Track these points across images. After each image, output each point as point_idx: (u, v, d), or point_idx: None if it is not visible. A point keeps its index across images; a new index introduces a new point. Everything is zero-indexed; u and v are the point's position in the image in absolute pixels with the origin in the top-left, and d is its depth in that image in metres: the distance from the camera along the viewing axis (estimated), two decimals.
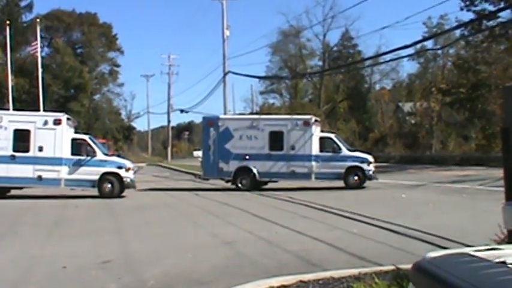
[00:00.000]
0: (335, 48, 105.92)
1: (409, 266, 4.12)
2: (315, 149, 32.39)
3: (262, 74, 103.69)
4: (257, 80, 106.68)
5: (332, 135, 34.61)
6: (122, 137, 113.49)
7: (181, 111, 71.37)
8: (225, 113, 53.80)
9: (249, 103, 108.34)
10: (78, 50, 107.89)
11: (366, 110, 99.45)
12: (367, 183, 31.90)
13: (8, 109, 53.77)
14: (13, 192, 30.28)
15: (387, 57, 61.52)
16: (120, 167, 28.93)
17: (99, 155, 28.79)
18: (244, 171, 32.56)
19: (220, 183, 33.94)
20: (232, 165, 32.66)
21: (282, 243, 13.24)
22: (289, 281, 8.54)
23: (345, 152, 32.69)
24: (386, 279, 8.03)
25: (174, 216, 20.83)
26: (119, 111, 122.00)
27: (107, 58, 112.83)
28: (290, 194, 27.78)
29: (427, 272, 3.50)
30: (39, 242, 14.49)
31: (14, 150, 28.22)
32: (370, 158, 33.10)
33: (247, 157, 32.52)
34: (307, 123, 32.94)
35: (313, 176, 32.35)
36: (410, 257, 5.67)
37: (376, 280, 7.87)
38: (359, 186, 31.75)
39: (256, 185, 32.51)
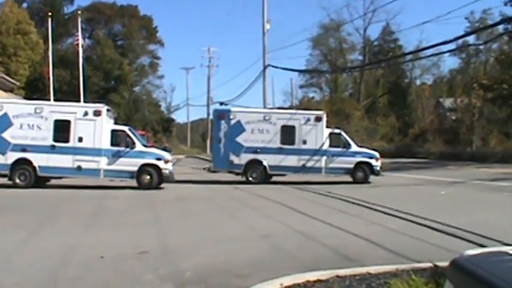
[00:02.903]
0: (376, 43, 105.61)
1: (446, 264, 4.07)
2: (326, 144, 32.75)
3: (302, 68, 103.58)
4: (297, 73, 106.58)
5: (341, 131, 34.77)
6: (161, 129, 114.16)
7: (221, 103, 71.08)
8: (264, 106, 53.86)
9: (288, 96, 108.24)
10: (119, 42, 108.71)
11: (406, 105, 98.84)
12: (410, 180, 31.89)
13: (49, 100, 54.27)
14: (52, 181, 30.56)
15: (428, 52, 60.90)
16: (159, 159, 29.05)
17: (139, 147, 28.93)
18: (255, 164, 32.79)
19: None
20: (243, 158, 32.85)
21: (319, 237, 13.19)
22: (325, 275, 8.50)
23: (354, 147, 33.44)
24: (423, 276, 7.96)
25: (212, 209, 20.85)
26: (159, 103, 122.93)
27: (147, 50, 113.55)
28: (328, 188, 27.68)
29: (464, 270, 3.46)
30: (78, 232, 14.58)
31: (54, 141, 28.47)
32: (377, 154, 34.01)
33: (258, 150, 32.68)
34: (319, 119, 33.25)
35: (323, 171, 32.81)
36: (448, 255, 5.60)
37: (413, 277, 7.81)
38: (365, 181, 32.51)
39: (266, 178, 32.79)
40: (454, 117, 76.93)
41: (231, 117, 33.31)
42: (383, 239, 12.77)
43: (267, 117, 33.40)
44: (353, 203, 21.32)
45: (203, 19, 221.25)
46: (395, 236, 13.47)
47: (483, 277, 3.23)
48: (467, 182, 31.60)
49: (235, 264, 10.41)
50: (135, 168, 28.62)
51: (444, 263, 6.93)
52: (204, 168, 35.76)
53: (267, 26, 55.58)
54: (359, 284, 8.00)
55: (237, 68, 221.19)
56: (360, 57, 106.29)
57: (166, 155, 30.00)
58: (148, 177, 28.76)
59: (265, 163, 32.68)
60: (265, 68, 55.49)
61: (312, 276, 8.46)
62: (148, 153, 29.38)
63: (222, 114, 34.03)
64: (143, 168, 28.71)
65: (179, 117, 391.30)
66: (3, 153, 28.46)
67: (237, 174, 33.50)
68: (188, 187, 31.02)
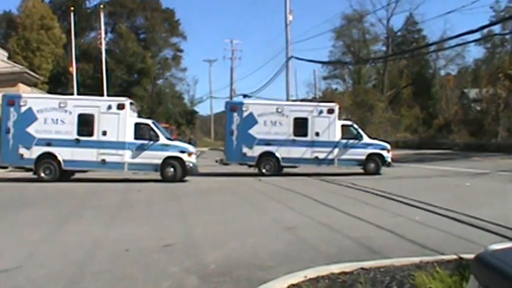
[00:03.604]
0: (399, 33, 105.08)
1: (471, 256, 4.05)
2: (338, 136, 32.94)
3: (325, 59, 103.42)
4: (320, 65, 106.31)
5: (353, 123, 35.21)
6: (185, 122, 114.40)
7: (244, 96, 71.21)
8: (287, 98, 53.88)
9: (311, 88, 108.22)
10: (141, 36, 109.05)
11: (430, 96, 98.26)
12: (434, 171, 31.86)
13: (72, 94, 54.55)
14: (77, 175, 30.76)
15: (452, 42, 60.39)
16: (182, 152, 29.14)
17: (162, 140, 29.02)
18: (268, 156, 33.01)
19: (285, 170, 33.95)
20: (256, 151, 33.06)
21: (343, 229, 13.18)
22: (350, 267, 8.49)
23: (366, 139, 33.62)
24: (448, 268, 7.92)
25: (236, 201, 20.87)
26: (182, 96, 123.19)
27: (169, 43, 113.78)
28: (351, 180, 27.66)
29: (488, 265, 3.44)
30: (103, 225, 14.67)
31: (79, 134, 28.66)
32: (388, 146, 34.15)
33: (271, 142, 32.87)
34: (331, 111, 33.39)
35: (336, 162, 33.15)
36: (473, 247, 5.60)
37: (438, 269, 7.77)
38: (377, 172, 32.80)
39: (279, 170, 33.01)
40: (479, 108, 76.34)
41: (244, 109, 33.52)
42: (407, 230, 12.73)
43: (279, 110, 33.54)
44: (377, 194, 21.29)
45: (225, 11, 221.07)
46: (419, 227, 13.43)
47: (508, 272, 3.22)
48: (492, 173, 31.43)
49: (260, 257, 10.43)
50: (159, 161, 28.74)
51: (469, 255, 6.90)
52: (216, 161, 35.84)
53: (290, 18, 55.60)
54: (383, 276, 7.98)
55: (260, 60, 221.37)
56: (383, 48, 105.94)
57: (189, 148, 30.09)
58: (172, 170, 28.87)
59: (278, 155, 32.91)
60: (288, 59, 55.49)
61: (336, 268, 8.46)
62: (172, 146, 29.46)
63: (234, 107, 34.23)
64: (167, 161, 28.83)
65: (202, 109, 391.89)
66: (28, 148, 28.69)
67: (250, 166, 33.74)
68: (212, 180, 31.08)
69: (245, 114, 33.29)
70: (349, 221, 14.71)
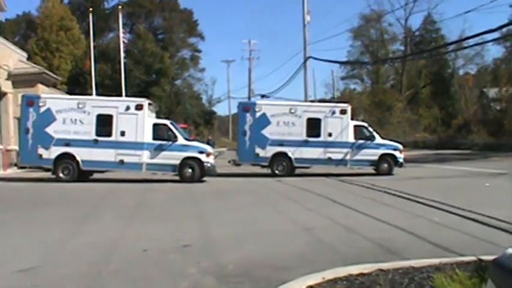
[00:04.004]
0: (417, 33, 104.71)
1: (491, 258, 4.01)
2: (351, 137, 33.04)
3: (344, 59, 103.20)
4: (338, 65, 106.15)
5: (365, 124, 35.40)
6: (203, 122, 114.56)
7: (262, 96, 71.26)
8: (305, 99, 53.89)
9: (330, 88, 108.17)
10: (160, 36, 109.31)
11: (449, 95, 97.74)
12: (453, 172, 31.80)
13: (90, 94, 54.78)
14: (95, 175, 30.86)
15: (471, 41, 59.95)
16: (201, 152, 29.21)
17: (180, 140, 29.08)
18: (281, 157, 33.02)
19: (299, 170, 33.93)
20: (269, 151, 33.10)
21: (362, 230, 13.13)
22: (368, 269, 8.45)
23: (378, 139, 33.69)
24: (467, 270, 7.86)
25: (254, 202, 20.86)
26: (200, 96, 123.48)
27: (187, 44, 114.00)
28: (371, 181, 27.60)
29: (505, 269, 3.39)
30: (121, 225, 14.68)
31: (97, 135, 28.80)
32: (400, 146, 34.21)
33: (284, 143, 32.89)
34: (344, 111, 33.45)
35: (348, 163, 33.21)
36: (493, 248, 5.55)
37: (457, 271, 7.73)
38: (389, 173, 32.89)
39: (292, 170, 33.01)
40: (498, 108, 76.01)
41: (257, 110, 33.55)
42: (426, 232, 12.67)
43: (292, 110, 33.59)
44: (395, 195, 21.21)
45: (243, 12, 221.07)
46: (438, 229, 13.36)
47: None
48: None
49: (278, 258, 10.41)
50: (177, 162, 28.80)
51: (489, 257, 6.86)
52: (229, 161, 35.88)
53: (308, 18, 55.51)
54: (402, 278, 7.94)
55: (278, 60, 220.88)
56: (402, 48, 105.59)
57: (208, 148, 30.17)
58: (190, 170, 28.94)
59: (291, 155, 32.95)
60: (306, 60, 55.41)
61: (354, 269, 8.43)
62: (190, 146, 29.52)
63: (247, 107, 34.27)
64: (185, 161, 28.89)
65: (220, 110, 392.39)
66: (47, 148, 28.84)
67: (263, 167, 33.72)
68: (230, 180, 31.11)
69: (258, 114, 33.32)
70: (367, 221, 14.66)
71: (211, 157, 29.69)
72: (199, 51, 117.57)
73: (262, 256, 10.63)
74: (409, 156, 48.46)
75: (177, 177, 29.09)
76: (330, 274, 8.23)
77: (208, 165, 29.18)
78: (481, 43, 60.14)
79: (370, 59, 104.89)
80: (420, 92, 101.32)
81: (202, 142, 37.66)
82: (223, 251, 11.16)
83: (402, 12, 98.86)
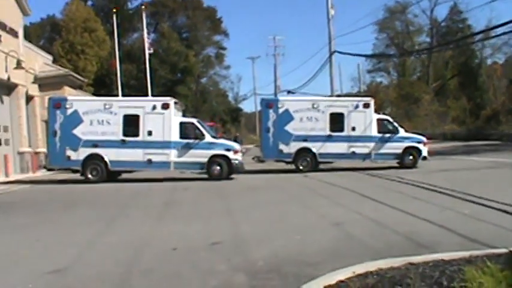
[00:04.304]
0: (443, 24, 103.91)
1: None
2: (375, 130, 33.00)
3: (369, 52, 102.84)
4: (364, 58, 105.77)
5: (388, 117, 35.33)
6: (230, 119, 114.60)
7: (289, 92, 71.20)
8: (331, 93, 53.85)
9: (356, 82, 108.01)
10: (184, 35, 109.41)
11: (477, 86, 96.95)
12: (482, 163, 31.73)
13: (117, 95, 55.07)
14: (124, 175, 31.01)
15: (499, 30, 59.41)
16: (228, 150, 29.25)
17: (208, 138, 29.13)
18: (305, 152, 33.00)
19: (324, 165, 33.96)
20: (293, 147, 33.09)
21: (391, 224, 13.08)
22: (398, 262, 8.41)
23: (402, 132, 33.61)
24: (498, 262, 7.80)
25: (283, 198, 20.84)
26: (226, 94, 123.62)
27: (212, 41, 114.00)
28: (398, 174, 27.52)
29: None
30: (150, 224, 14.78)
31: (124, 135, 28.94)
32: (424, 139, 34.06)
33: (307, 138, 32.91)
34: (367, 105, 33.40)
35: (372, 156, 33.20)
36: None
37: (488, 263, 7.66)
38: (414, 166, 32.76)
39: (316, 166, 33.04)
40: None
41: (279, 106, 33.58)
42: (456, 224, 12.58)
43: (315, 105, 33.54)
44: (424, 188, 21.10)
45: (267, 7, 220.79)
46: (469, 221, 13.26)
47: None
48: None
49: (307, 253, 10.40)
50: (205, 160, 28.87)
51: None
52: (253, 158, 35.87)
53: (332, 12, 55.38)
54: (432, 271, 7.89)
55: (303, 55, 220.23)
56: (428, 39, 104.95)
57: (235, 145, 30.19)
58: (218, 168, 29.01)
59: (314, 151, 32.92)
60: (331, 54, 55.31)
61: (384, 263, 8.39)
62: (218, 144, 29.58)
63: (270, 104, 34.23)
64: (213, 159, 28.97)
65: (247, 106, 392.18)
66: (75, 150, 29.04)
67: (287, 163, 33.75)
68: (258, 177, 31.12)
69: (281, 110, 33.31)
70: (397, 215, 14.60)
71: (239, 154, 29.72)
72: (224, 48, 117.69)
73: (292, 252, 10.62)
74: (438, 149, 48.30)
75: (205, 175, 29.16)
76: (360, 268, 8.21)
77: (236, 162, 29.22)
78: (509, 32, 59.46)
79: (396, 51, 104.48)
80: (447, 83, 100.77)
81: (229, 139, 37.68)
82: (253, 248, 11.17)
83: (427, 3, 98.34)
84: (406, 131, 34.84)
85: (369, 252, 10.02)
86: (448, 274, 7.68)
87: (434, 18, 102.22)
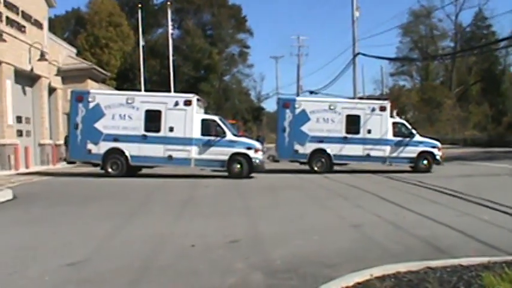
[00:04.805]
0: (468, 29, 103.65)
1: None
2: (390, 134, 33.03)
3: (393, 56, 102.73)
4: (387, 61, 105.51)
5: (404, 121, 35.35)
6: (251, 118, 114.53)
7: (311, 92, 71.18)
8: (354, 95, 53.88)
9: (378, 85, 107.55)
10: (208, 32, 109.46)
11: (500, 92, 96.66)
12: (503, 170, 31.73)
13: (139, 90, 55.23)
14: (144, 170, 31.07)
15: None
16: (249, 148, 29.23)
17: (229, 136, 29.13)
18: (320, 153, 33.00)
19: (348, 167, 33.94)
20: (308, 148, 33.13)
21: (410, 228, 13.05)
22: (416, 266, 8.41)
23: (417, 137, 33.61)
24: None
25: (302, 198, 20.86)
26: (248, 92, 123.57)
27: (236, 39, 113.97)
28: (418, 178, 27.45)
29: None
30: (169, 221, 14.80)
31: (146, 130, 28.99)
32: (439, 143, 34.08)
33: (324, 139, 32.89)
34: (383, 108, 33.38)
35: (387, 160, 33.27)
36: None
37: (507, 270, 7.65)
38: (428, 170, 32.78)
39: (331, 167, 33.03)
40: None
41: (296, 106, 33.60)
42: (475, 230, 12.54)
43: (332, 107, 33.54)
44: (444, 192, 21.06)
45: (292, 7, 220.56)
46: (488, 227, 13.22)
47: None
48: None
49: (325, 254, 10.40)
50: (226, 158, 28.89)
51: None
52: (268, 158, 35.92)
53: (357, 14, 55.34)
54: (450, 276, 7.88)
55: (327, 56, 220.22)
56: (452, 44, 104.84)
57: (256, 144, 30.17)
58: (238, 166, 29.03)
59: (330, 152, 32.94)
60: (355, 56, 55.26)
61: (402, 267, 8.39)
62: (239, 142, 29.57)
63: (287, 103, 34.22)
64: (234, 157, 28.98)
65: (269, 106, 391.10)
66: (96, 143, 29.13)
67: (301, 163, 33.78)
68: (278, 176, 31.12)
69: (297, 111, 33.33)
70: (416, 219, 14.56)
71: (260, 153, 29.72)
72: (247, 47, 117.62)
73: (310, 252, 10.63)
74: (458, 154, 48.13)
75: (225, 173, 29.19)
76: (377, 271, 8.21)
77: (257, 161, 29.24)
78: None
79: (419, 55, 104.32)
80: (470, 88, 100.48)
81: (251, 138, 37.69)
82: (271, 247, 11.18)
83: (452, 8, 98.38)
84: (421, 135, 34.73)
85: (387, 255, 10.03)
86: (465, 279, 7.68)
87: (459, 23, 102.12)
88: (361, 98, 50.66)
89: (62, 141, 42.66)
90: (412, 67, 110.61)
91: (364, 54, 56.18)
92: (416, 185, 24.74)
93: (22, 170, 34.55)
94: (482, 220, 14.19)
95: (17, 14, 36.22)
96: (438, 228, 13.11)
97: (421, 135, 34.75)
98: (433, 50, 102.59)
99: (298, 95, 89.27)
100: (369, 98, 48.33)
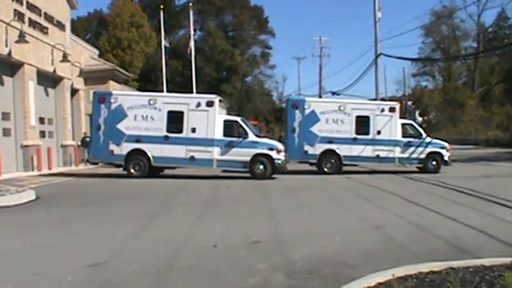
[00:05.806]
0: (490, 29, 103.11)
1: None
2: (399, 135, 33.15)
3: (415, 56, 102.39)
4: (409, 62, 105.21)
5: (413, 122, 35.73)
6: (274, 119, 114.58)
7: (333, 93, 71.12)
8: (376, 96, 53.88)
9: (401, 85, 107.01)
10: (230, 33, 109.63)
11: None
12: None
13: (161, 91, 55.38)
14: (166, 171, 31.15)
15: None
16: (271, 149, 29.26)
17: (251, 137, 29.16)
18: (330, 154, 33.04)
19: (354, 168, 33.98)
20: (318, 148, 33.16)
21: (432, 228, 13.02)
22: (438, 267, 8.39)
23: (426, 138, 33.66)
24: None
25: (324, 199, 20.84)
26: (271, 93, 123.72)
27: (258, 41, 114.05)
28: (439, 178, 27.38)
29: None
30: (191, 221, 14.82)
31: (168, 131, 29.08)
32: (447, 144, 34.17)
33: (333, 140, 33.02)
34: (393, 109, 33.54)
35: (396, 161, 33.40)
36: None
37: None
38: (436, 171, 32.95)
39: (340, 168, 33.06)
40: None
41: (306, 107, 33.66)
42: (498, 231, 12.49)
43: (341, 107, 33.61)
44: (466, 193, 20.97)
45: (314, 8, 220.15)
46: (510, 228, 13.17)
47: None
48: None
49: (347, 255, 10.39)
50: (248, 158, 28.93)
51: None
52: None
53: (379, 14, 55.20)
54: (472, 277, 7.86)
55: (349, 57, 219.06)
56: (474, 45, 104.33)
57: (278, 145, 30.19)
58: (261, 167, 29.08)
59: (339, 153, 33.04)
60: (377, 57, 55.15)
61: (424, 267, 8.37)
62: (261, 143, 29.59)
63: (296, 104, 34.25)
64: (256, 158, 29.03)
65: None
66: (118, 144, 29.24)
67: (311, 164, 33.93)
68: (300, 177, 31.10)
69: (307, 111, 33.41)
70: (438, 220, 14.52)
71: (282, 154, 29.73)
72: (269, 48, 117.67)
73: (332, 253, 10.63)
74: (480, 154, 47.91)
75: (247, 174, 29.22)
76: (399, 271, 8.20)
77: (279, 162, 29.25)
78: None
79: (441, 55, 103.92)
80: (493, 89, 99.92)
81: (273, 139, 37.72)
82: (293, 248, 11.18)
83: (475, 8, 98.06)
84: (428, 136, 34.67)
85: (408, 256, 10.01)
86: (488, 280, 7.66)
87: (482, 24, 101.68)
88: (383, 99, 50.66)
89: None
90: (434, 68, 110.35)
91: (386, 55, 56.11)
92: (438, 185, 24.66)
93: (45, 171, 34.75)
94: (505, 221, 14.14)
95: (40, 15, 36.44)
96: (460, 228, 13.06)
97: (428, 136, 34.76)
98: (455, 51, 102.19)
99: (320, 96, 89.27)
100: (391, 99, 48.31)
